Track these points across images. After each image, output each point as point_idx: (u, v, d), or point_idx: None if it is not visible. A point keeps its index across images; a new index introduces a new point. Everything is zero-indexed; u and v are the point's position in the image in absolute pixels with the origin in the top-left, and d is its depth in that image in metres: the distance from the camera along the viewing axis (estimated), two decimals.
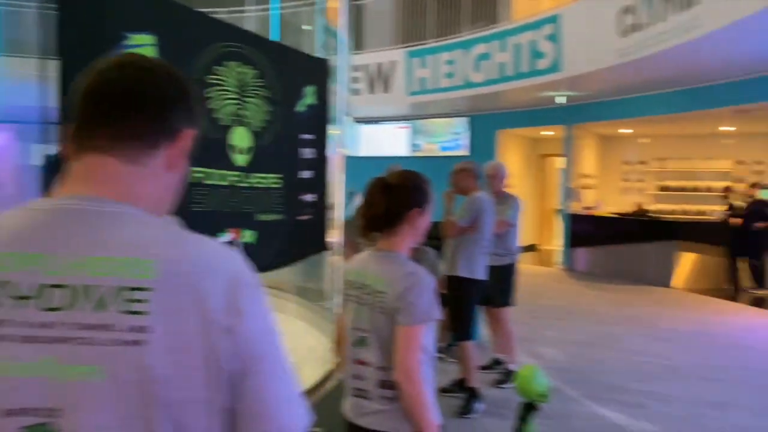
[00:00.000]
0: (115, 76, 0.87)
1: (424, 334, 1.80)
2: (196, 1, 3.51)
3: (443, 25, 11.59)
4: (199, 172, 3.11)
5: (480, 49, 9.91)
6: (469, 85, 10.19)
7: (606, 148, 13.63)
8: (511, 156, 13.19)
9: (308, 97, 4.12)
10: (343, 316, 2.01)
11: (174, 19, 3.01)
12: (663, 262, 9.88)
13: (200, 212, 3.10)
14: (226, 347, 0.79)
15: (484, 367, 4.92)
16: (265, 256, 3.60)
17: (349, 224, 4.61)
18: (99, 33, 2.51)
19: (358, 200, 3.54)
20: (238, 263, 0.86)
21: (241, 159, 3.44)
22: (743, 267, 9.56)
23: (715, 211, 10.63)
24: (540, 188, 14.30)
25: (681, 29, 6.34)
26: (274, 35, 7.29)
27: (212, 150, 3.23)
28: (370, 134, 13.45)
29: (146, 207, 0.86)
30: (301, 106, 4.04)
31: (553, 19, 8.71)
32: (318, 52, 5.29)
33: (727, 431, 4.12)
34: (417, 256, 2.04)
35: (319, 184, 4.32)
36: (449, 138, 12.84)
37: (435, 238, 3.82)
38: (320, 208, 4.35)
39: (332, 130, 4.52)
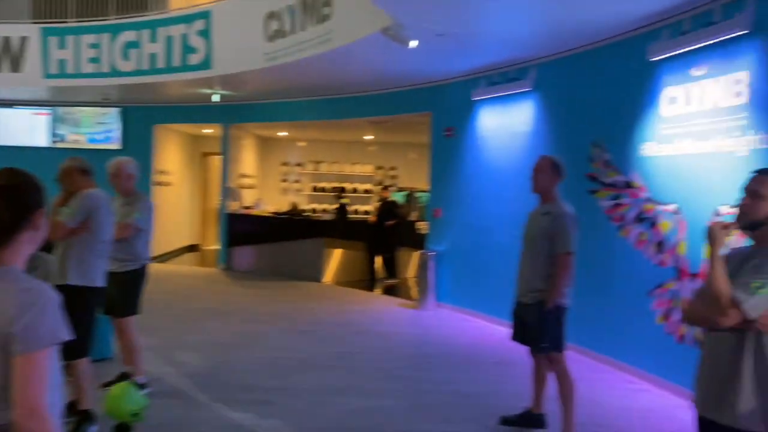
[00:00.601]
0: None
1: (50, 361, 1.50)
2: None
3: (87, 4, 10.47)
4: None
5: (128, 36, 9.18)
6: (117, 73, 9.36)
7: (265, 149, 14.04)
8: (171, 153, 12.63)
9: None
10: None
11: None
12: (315, 259, 10.53)
13: None
14: None
15: (107, 383, 4.44)
16: None
17: None
18: None
19: None
20: None
21: None
22: (379, 260, 10.78)
23: (358, 210, 11.82)
24: (202, 187, 14.03)
25: (317, 41, 6.76)
26: None
27: None
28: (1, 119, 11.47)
29: None
30: None
31: (205, 15, 8.51)
32: None
33: (345, 415, 4.44)
34: (31, 264, 1.65)
35: None
36: (99, 130, 11.66)
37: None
38: None
39: None
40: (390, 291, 9.90)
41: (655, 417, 4.55)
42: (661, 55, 5.10)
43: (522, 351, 4.27)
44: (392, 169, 14.19)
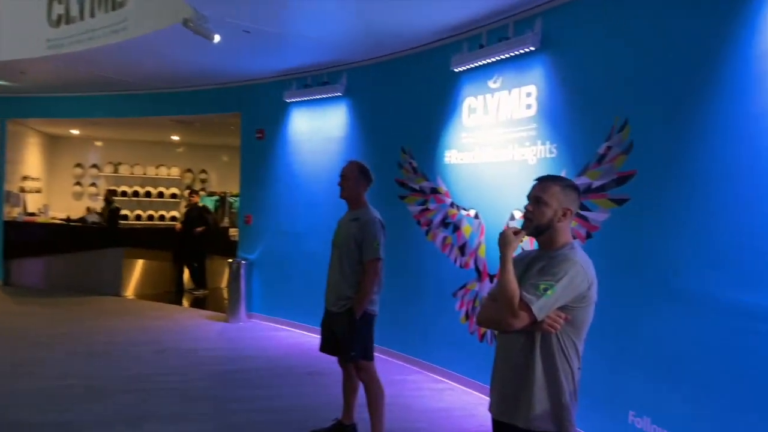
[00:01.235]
0: None
1: None
2: None
3: None
4: None
5: None
6: None
7: (55, 148, 12.49)
8: None
9: None
10: None
11: None
12: (114, 270, 9.55)
13: None
14: None
15: None
16: None
17: None
18: None
19: None
20: None
21: None
22: (187, 270, 10.09)
23: (164, 216, 10.97)
24: None
25: (110, 29, 6.08)
26: None
27: None
28: None
29: None
30: None
31: None
32: None
33: None
34: None
35: None
36: None
37: None
38: None
39: None
40: (198, 303, 9.30)
41: (457, 415, 4.68)
42: (462, 67, 5.31)
43: (336, 360, 4.14)
44: (202, 172, 13.46)
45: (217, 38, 5.35)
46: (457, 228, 5.46)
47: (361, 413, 4.13)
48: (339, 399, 4.23)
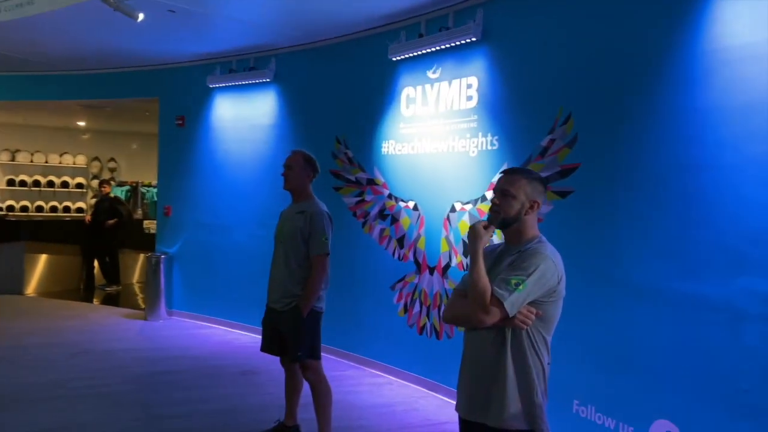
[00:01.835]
0: None
1: None
2: None
3: None
4: None
5: None
6: None
7: None
8: None
9: None
10: None
11: None
12: (13, 266, 8.77)
13: None
14: None
15: None
16: None
17: None
18: None
19: None
20: None
21: None
22: (97, 265, 9.44)
23: (69, 207, 10.23)
24: None
25: (12, 3, 5.50)
26: None
27: None
28: None
29: None
30: None
31: None
32: None
33: None
34: None
35: None
36: None
37: None
38: None
39: None
40: (111, 300, 8.72)
41: (400, 410, 4.62)
42: (400, 56, 5.21)
43: (269, 358, 3.95)
44: (111, 160, 12.66)
45: (141, 17, 4.96)
46: (395, 220, 5.37)
47: (301, 413, 3.98)
48: (279, 399, 4.06)
